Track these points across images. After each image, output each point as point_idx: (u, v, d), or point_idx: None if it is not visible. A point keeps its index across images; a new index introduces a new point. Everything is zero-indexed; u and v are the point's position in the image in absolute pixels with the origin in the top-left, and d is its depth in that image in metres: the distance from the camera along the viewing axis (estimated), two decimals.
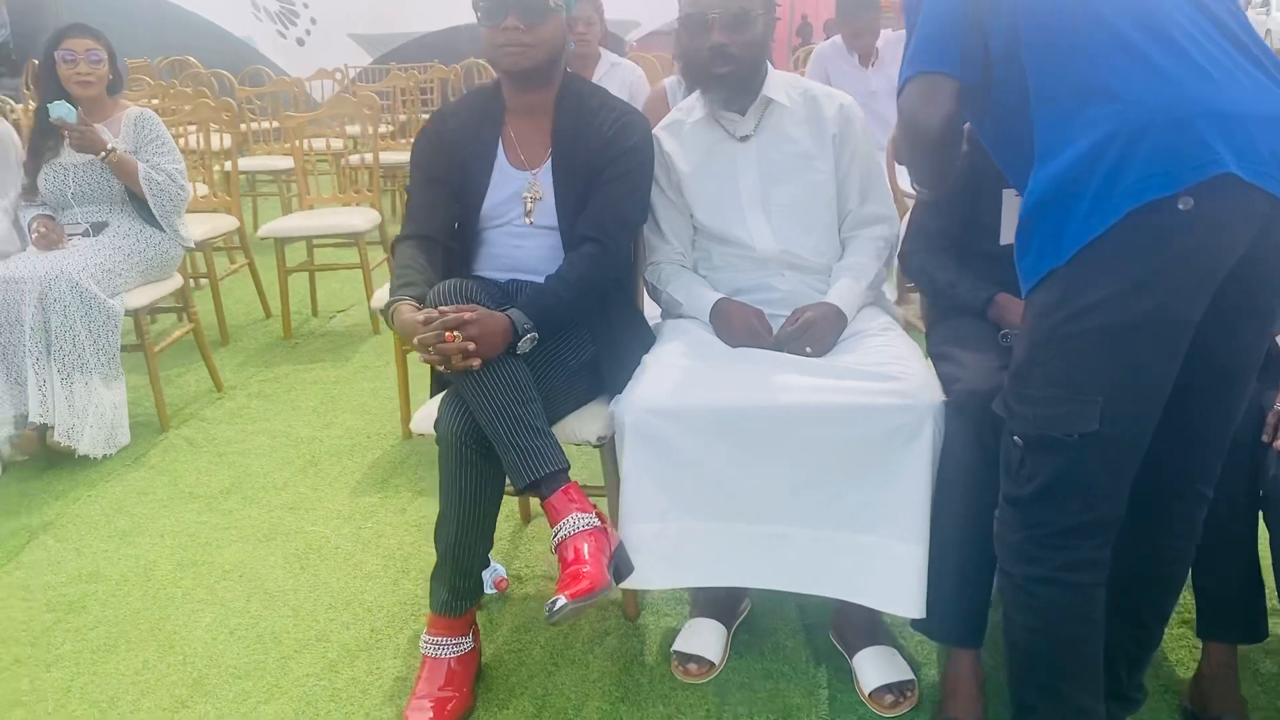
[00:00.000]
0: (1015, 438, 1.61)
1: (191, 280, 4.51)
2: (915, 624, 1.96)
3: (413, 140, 6.52)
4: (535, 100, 2.20)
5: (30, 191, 3.39)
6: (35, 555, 2.70)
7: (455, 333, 1.86)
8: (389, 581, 2.51)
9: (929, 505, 1.89)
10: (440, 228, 2.19)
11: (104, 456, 3.22)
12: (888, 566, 1.90)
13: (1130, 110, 1.42)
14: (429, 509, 2.85)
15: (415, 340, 1.90)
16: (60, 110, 3.18)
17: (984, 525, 1.83)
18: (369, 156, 4.74)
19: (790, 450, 1.92)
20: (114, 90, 3.46)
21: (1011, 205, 2.09)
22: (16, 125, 5.32)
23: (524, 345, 1.97)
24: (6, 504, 2.99)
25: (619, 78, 4.10)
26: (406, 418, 3.35)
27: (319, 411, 3.63)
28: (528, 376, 1.94)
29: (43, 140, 3.36)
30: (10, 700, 2.12)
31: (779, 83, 2.26)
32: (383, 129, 6.60)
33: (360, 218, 4.37)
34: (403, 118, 7.61)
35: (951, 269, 2.18)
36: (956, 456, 1.88)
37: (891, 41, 4.60)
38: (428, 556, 2.60)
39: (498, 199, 2.20)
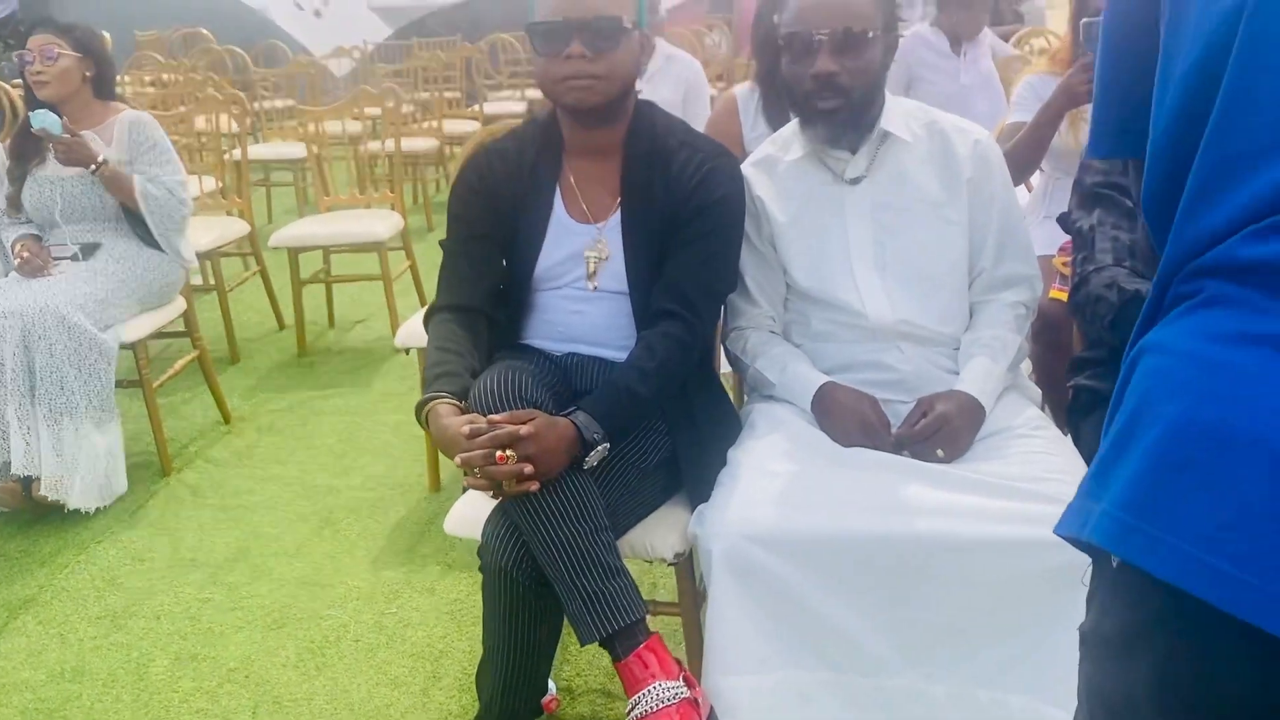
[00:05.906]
0: None
1: (199, 282, 4.15)
2: None
3: (434, 124, 6.10)
4: (601, 138, 1.78)
5: (14, 207, 3.01)
6: (13, 643, 2.34)
7: (509, 451, 1.47)
8: (418, 690, 2.14)
9: None
10: (484, 296, 1.78)
11: (97, 510, 2.86)
12: None
13: None
14: (460, 589, 2.48)
15: (457, 459, 1.50)
16: (43, 120, 2.78)
17: None
18: (390, 143, 4.32)
19: (923, 590, 1.53)
20: (103, 92, 3.05)
21: None
22: (13, 109, 4.95)
23: (593, 458, 1.58)
24: None
25: (674, 74, 3.57)
26: (434, 466, 2.98)
27: (336, 453, 3.25)
28: (597, 498, 1.55)
29: (26, 147, 2.97)
30: None
31: (898, 113, 1.84)
32: (405, 109, 6.18)
33: (382, 223, 3.97)
34: (424, 95, 7.21)
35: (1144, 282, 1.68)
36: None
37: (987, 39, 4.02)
38: (462, 656, 2.23)
39: (555, 259, 1.80)
